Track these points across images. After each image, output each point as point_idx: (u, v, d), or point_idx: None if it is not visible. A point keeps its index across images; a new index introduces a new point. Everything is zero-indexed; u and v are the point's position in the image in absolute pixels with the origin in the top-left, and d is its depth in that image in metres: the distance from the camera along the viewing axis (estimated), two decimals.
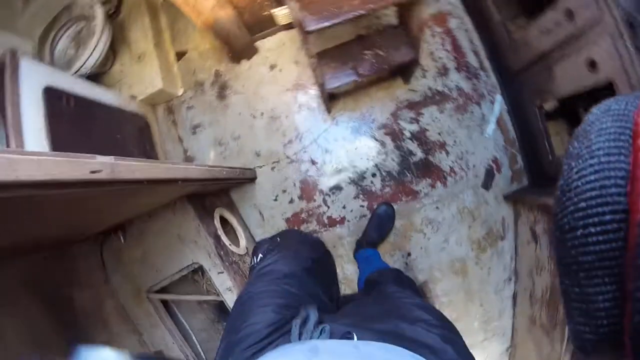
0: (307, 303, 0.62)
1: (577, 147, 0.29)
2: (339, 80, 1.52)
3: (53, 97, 1.32)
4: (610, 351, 0.28)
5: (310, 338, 0.52)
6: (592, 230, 0.26)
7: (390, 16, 1.69)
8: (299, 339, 0.53)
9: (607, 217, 0.25)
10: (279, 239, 1.02)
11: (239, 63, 1.75)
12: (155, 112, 1.81)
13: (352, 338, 0.50)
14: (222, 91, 1.75)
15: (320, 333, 0.53)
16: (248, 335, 0.60)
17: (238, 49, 1.68)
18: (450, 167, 1.67)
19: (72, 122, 1.39)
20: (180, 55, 1.84)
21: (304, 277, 0.81)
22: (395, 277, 1.30)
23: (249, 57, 1.75)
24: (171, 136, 1.79)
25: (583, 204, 0.26)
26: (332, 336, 0.53)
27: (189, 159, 1.76)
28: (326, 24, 1.30)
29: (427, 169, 1.66)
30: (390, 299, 0.87)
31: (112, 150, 1.54)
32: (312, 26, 1.29)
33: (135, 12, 1.81)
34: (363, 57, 1.53)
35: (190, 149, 1.76)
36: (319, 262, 0.94)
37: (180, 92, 1.79)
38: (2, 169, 0.56)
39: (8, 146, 1.13)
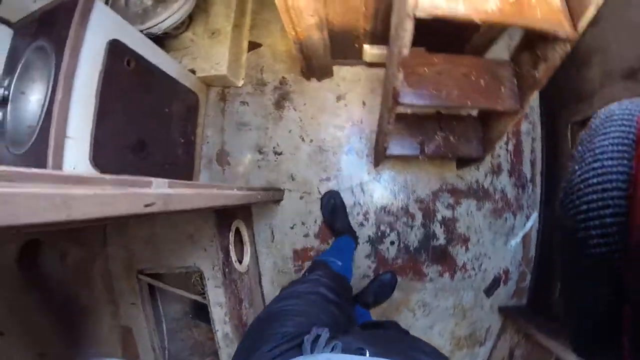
0: (321, 324, 0.65)
1: (581, 151, 0.30)
2: (402, 149, 1.48)
3: (115, 53, 1.23)
4: (609, 352, 0.29)
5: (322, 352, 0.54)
6: (593, 232, 0.26)
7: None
8: (311, 352, 0.55)
9: (608, 220, 0.26)
10: (306, 273, 1.08)
11: (309, 80, 1.68)
12: (207, 94, 1.73)
13: (364, 353, 0.52)
14: (282, 101, 1.68)
15: (332, 349, 0.54)
16: (267, 342, 0.62)
17: (314, 66, 1.61)
18: (464, 262, 1.68)
19: (126, 84, 1.31)
20: (253, 46, 1.74)
21: (323, 303, 0.84)
22: (393, 324, 1.34)
23: (321, 78, 1.68)
24: (215, 123, 1.72)
25: (585, 207, 0.27)
26: (344, 351, 0.54)
27: (223, 153, 1.70)
28: (420, 102, 1.27)
29: (443, 257, 1.67)
30: (392, 334, 0.92)
31: (156, 125, 1.47)
32: (407, 100, 1.26)
33: None
34: (434, 137, 1.50)
35: (229, 143, 1.70)
36: (339, 290, 0.97)
37: (240, 83, 1.71)
38: (56, 209, 0.53)
39: (53, 94, 1.04)
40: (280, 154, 1.66)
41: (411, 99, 1.26)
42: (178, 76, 1.54)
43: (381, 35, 1.56)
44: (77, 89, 1.06)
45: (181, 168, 1.62)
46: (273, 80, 1.70)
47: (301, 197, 1.65)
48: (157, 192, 0.79)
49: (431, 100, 1.27)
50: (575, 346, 0.32)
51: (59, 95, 1.01)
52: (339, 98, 1.66)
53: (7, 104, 1.16)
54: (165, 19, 1.49)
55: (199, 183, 1.20)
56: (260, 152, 1.67)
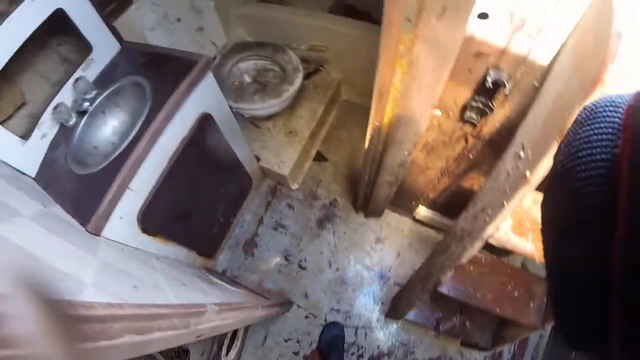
0: None
1: (567, 143, 0.30)
2: (418, 318, 1.52)
3: (203, 126, 1.28)
4: (597, 345, 0.28)
5: None
6: (579, 226, 0.27)
7: None
8: None
9: (594, 210, 0.26)
10: None
11: (357, 213, 1.74)
12: (261, 182, 1.78)
13: None
14: (325, 221, 1.73)
15: None
16: None
17: (368, 205, 1.67)
18: None
19: (198, 157, 1.34)
20: (319, 157, 1.82)
21: None
22: None
23: (369, 215, 1.73)
24: (256, 213, 1.77)
25: (571, 195, 0.28)
26: None
27: (252, 243, 1.73)
28: (456, 295, 1.31)
29: None
30: None
31: (206, 200, 1.51)
32: (445, 290, 1.30)
33: (318, 93, 1.80)
34: (452, 318, 1.54)
35: (261, 236, 1.73)
36: None
37: (295, 186, 1.77)
38: (136, 351, 0.59)
39: (134, 144, 1.04)
40: (304, 268, 1.69)
41: (449, 290, 1.31)
42: (244, 160, 1.60)
43: (440, 206, 1.63)
44: (155, 148, 1.09)
45: (208, 244, 1.64)
46: (325, 198, 1.76)
47: (306, 317, 1.66)
48: (209, 325, 0.85)
49: (466, 297, 1.31)
50: (565, 340, 0.32)
51: (139, 148, 1.03)
52: (377, 240, 1.71)
53: (84, 115, 1.18)
54: (261, 109, 1.56)
55: (239, 302, 1.22)
56: (286, 258, 1.70)
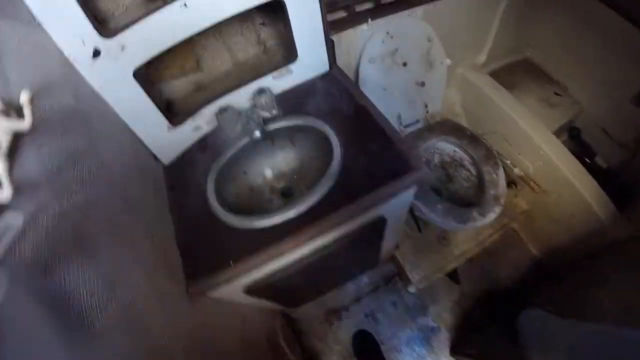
0: None
1: None
2: None
3: (371, 227, 1.04)
4: None
5: None
6: None
7: None
8: None
9: None
10: None
11: (450, 354, 1.56)
12: (382, 265, 1.60)
13: None
14: (414, 342, 1.56)
15: None
16: None
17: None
18: None
19: (345, 249, 1.10)
20: (452, 274, 1.62)
21: None
22: None
23: None
24: (359, 289, 1.64)
25: None
26: None
27: (336, 314, 1.59)
28: None
29: None
30: None
31: (327, 279, 1.36)
32: None
33: None
34: None
35: (349, 314, 1.59)
36: None
37: (412, 290, 1.58)
38: None
39: (293, 230, 0.81)
40: None
41: None
42: (384, 249, 1.38)
43: None
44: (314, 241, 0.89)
45: (301, 302, 1.52)
46: (432, 320, 1.57)
47: None
48: None
49: None
50: None
51: (298, 239, 0.81)
52: None
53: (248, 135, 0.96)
54: (435, 219, 1.33)
55: None
56: None
